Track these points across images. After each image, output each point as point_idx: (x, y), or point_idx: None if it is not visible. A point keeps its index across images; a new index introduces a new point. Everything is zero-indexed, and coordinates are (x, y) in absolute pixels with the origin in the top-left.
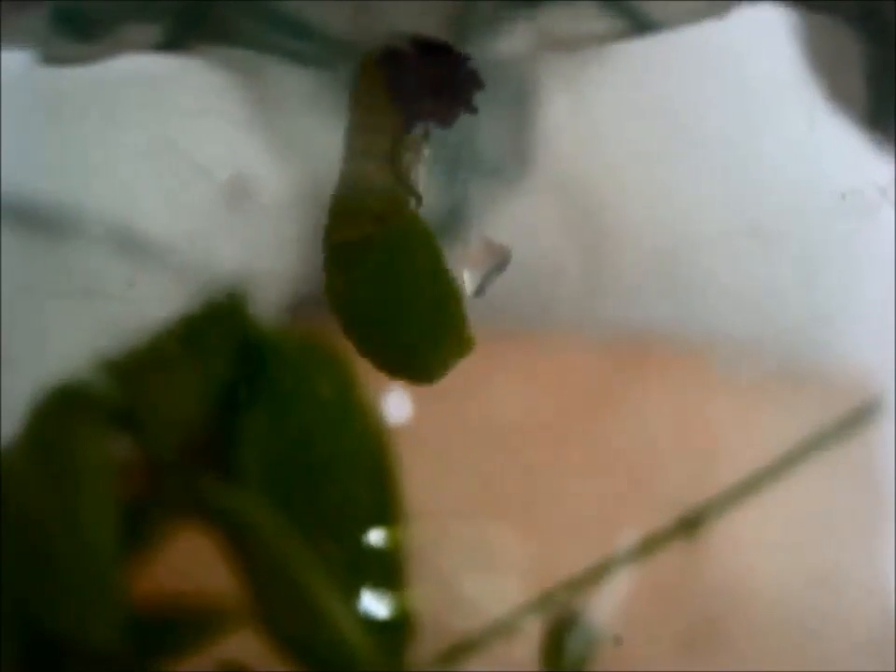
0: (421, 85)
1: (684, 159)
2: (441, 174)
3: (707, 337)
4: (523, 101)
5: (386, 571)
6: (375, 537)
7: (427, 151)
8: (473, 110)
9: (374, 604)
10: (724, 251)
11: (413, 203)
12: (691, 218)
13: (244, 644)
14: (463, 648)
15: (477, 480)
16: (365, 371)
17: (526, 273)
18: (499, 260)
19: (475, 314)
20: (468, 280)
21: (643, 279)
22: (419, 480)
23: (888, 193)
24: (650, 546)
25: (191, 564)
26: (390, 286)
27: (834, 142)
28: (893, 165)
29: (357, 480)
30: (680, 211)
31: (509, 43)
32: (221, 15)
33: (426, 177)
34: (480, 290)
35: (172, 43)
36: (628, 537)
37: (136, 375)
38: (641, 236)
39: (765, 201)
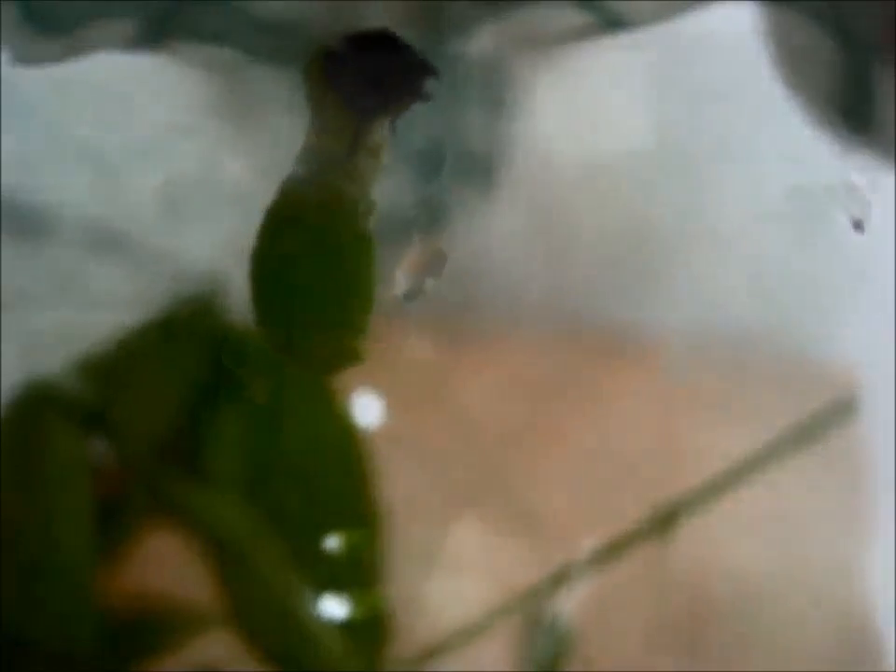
0: (361, 80)
1: (642, 161)
2: (415, 175)
3: (668, 336)
4: (498, 103)
5: (360, 572)
6: (348, 538)
7: (384, 153)
8: (425, 98)
9: (347, 605)
10: (684, 252)
11: (362, 205)
12: (649, 220)
13: (217, 645)
14: (436, 649)
15: (449, 481)
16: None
17: (490, 276)
18: (434, 265)
19: (441, 315)
20: (400, 282)
21: (606, 281)
22: (391, 481)
23: (834, 192)
24: (621, 545)
25: (164, 565)
26: (312, 276)
27: (782, 142)
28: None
29: (330, 481)
30: (639, 212)
31: (481, 42)
32: (191, 12)
33: (384, 180)
34: (412, 294)
35: (142, 41)
36: (599, 536)
37: (110, 376)
38: (602, 238)
39: (720, 201)
